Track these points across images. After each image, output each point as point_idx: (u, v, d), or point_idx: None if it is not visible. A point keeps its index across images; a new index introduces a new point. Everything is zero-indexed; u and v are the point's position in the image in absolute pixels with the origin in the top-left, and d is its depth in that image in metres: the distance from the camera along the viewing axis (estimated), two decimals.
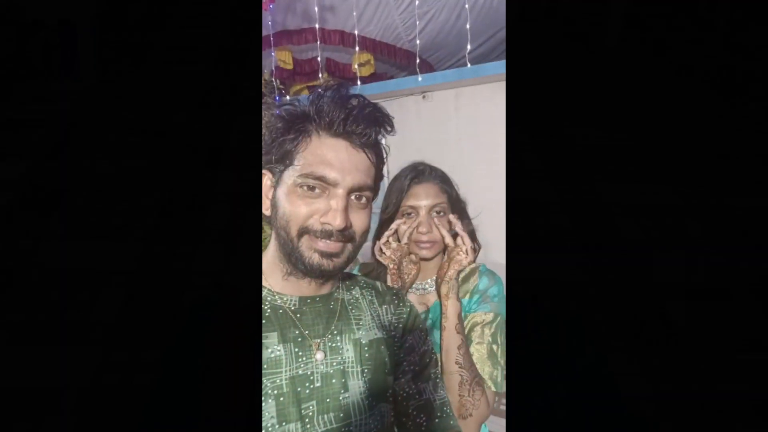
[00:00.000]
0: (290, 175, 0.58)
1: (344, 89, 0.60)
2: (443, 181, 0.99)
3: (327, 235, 0.57)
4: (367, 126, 0.59)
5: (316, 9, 2.59)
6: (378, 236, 1.01)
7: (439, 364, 0.86)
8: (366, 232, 0.62)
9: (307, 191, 0.57)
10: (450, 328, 0.86)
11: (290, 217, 0.57)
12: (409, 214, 0.96)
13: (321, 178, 0.56)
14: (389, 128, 0.63)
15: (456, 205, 1.00)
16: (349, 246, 0.60)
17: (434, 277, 0.99)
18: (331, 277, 0.65)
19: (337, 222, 0.56)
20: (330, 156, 0.57)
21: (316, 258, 0.58)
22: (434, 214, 0.95)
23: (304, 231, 0.57)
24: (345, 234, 0.58)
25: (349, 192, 0.58)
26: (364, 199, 0.60)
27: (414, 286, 1.00)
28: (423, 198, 0.95)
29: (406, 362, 0.68)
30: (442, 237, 0.94)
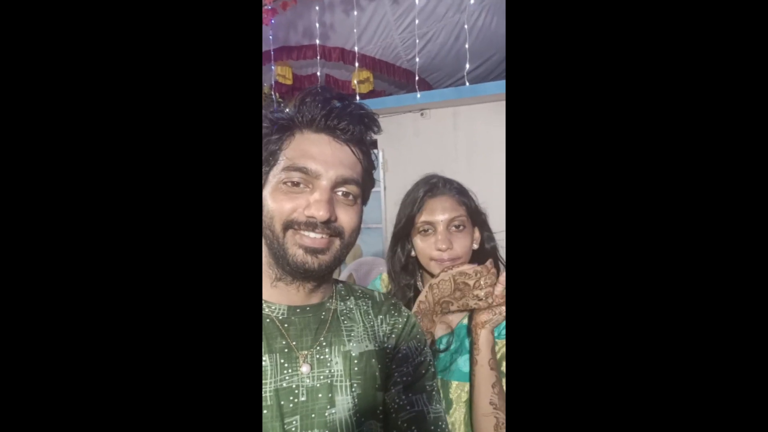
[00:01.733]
0: (275, 174, 0.57)
1: (327, 93, 0.59)
2: (459, 192, 0.93)
3: (311, 227, 0.56)
4: (350, 122, 0.58)
5: (317, 26, 2.62)
6: (393, 250, 0.95)
7: (470, 401, 0.79)
8: (355, 230, 0.60)
9: (291, 187, 0.56)
10: (483, 362, 0.76)
11: (274, 213, 0.56)
12: (425, 230, 0.89)
13: (302, 170, 0.55)
14: (375, 127, 0.61)
15: (476, 217, 0.93)
16: (337, 242, 0.58)
17: None
18: (318, 279, 0.61)
19: (320, 213, 0.54)
20: (312, 149, 0.56)
21: (300, 254, 0.56)
22: (453, 228, 0.88)
23: (288, 225, 0.56)
24: (330, 227, 0.56)
25: (334, 186, 0.57)
26: (351, 196, 0.59)
27: None
28: (439, 213, 0.88)
29: (398, 373, 0.64)
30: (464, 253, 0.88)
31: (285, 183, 0.56)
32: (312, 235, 0.56)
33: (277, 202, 0.56)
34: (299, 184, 0.56)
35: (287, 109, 0.59)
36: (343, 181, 0.57)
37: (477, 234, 0.93)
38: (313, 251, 0.56)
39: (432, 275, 0.90)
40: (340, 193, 0.58)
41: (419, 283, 0.97)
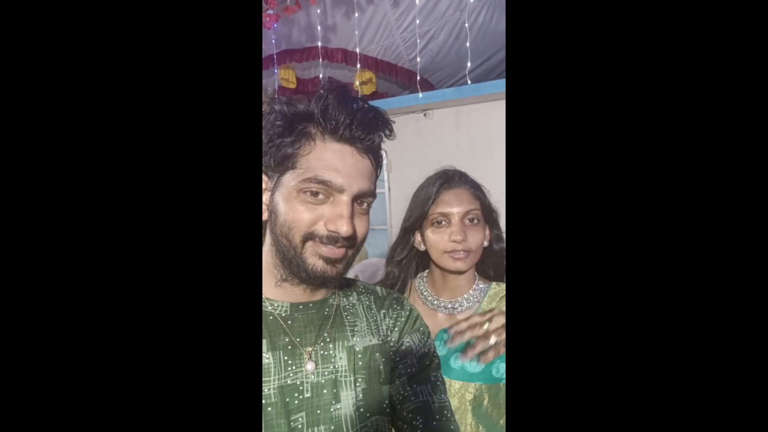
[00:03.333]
0: (290, 179, 0.56)
1: (346, 92, 0.59)
2: (474, 186, 0.92)
3: (333, 241, 0.56)
4: (370, 131, 0.58)
5: (319, 28, 2.63)
6: (398, 242, 0.95)
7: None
8: (365, 237, 0.61)
9: (310, 197, 0.55)
10: None
11: (293, 224, 0.56)
12: (439, 222, 0.87)
13: (326, 183, 0.55)
14: (389, 132, 0.62)
15: (488, 215, 0.93)
16: (350, 252, 0.60)
17: (466, 295, 0.91)
18: (330, 284, 0.63)
19: (344, 229, 0.55)
20: (336, 162, 0.56)
21: (320, 265, 0.57)
22: (467, 221, 0.87)
23: (308, 237, 0.56)
24: (349, 240, 0.57)
25: (354, 199, 0.57)
26: (365, 205, 0.60)
27: (443, 305, 0.91)
28: (455, 204, 0.87)
29: (402, 365, 0.65)
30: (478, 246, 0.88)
31: (304, 192, 0.55)
32: (332, 247, 0.57)
33: (295, 212, 0.56)
34: (318, 194, 0.56)
35: (301, 105, 0.58)
36: (362, 194, 0.58)
37: (487, 231, 0.93)
38: (332, 261, 0.57)
39: (444, 270, 0.89)
40: (356, 203, 0.58)
41: (409, 279, 0.97)
